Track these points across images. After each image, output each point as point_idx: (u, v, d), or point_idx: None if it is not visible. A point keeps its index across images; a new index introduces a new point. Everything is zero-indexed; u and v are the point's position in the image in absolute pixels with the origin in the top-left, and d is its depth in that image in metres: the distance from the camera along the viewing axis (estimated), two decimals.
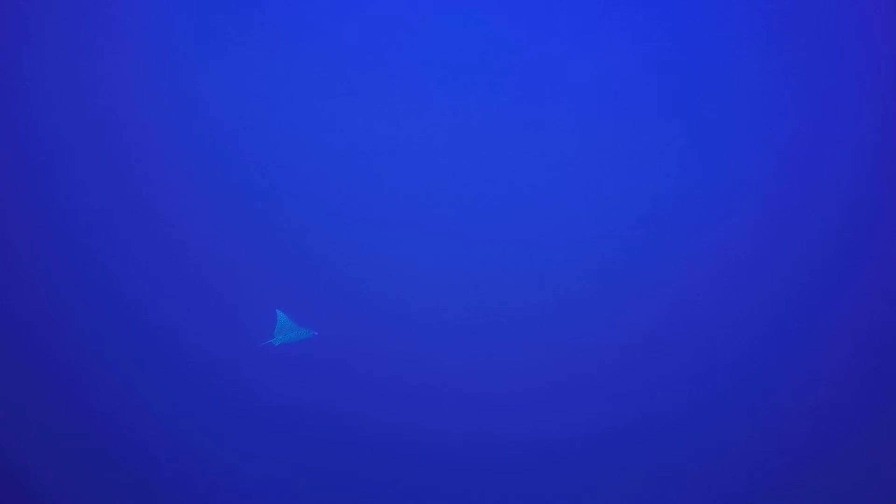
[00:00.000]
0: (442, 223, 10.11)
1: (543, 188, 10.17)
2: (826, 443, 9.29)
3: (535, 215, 10.12)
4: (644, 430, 9.47)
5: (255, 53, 10.08)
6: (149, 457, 9.22)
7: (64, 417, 9.25)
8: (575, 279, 9.92)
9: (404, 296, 9.86)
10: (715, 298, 9.87)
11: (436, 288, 9.92)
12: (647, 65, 10.16)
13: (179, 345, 9.58)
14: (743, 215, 9.98)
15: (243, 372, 9.53)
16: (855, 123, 9.89)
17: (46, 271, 9.63)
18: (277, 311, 9.05)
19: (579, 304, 9.86)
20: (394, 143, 10.16)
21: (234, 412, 9.48)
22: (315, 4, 10.16)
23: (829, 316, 9.70)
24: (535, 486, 9.31)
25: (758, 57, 10.06)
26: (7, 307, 9.44)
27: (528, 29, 10.29)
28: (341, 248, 9.97)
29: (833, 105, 9.95)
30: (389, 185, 10.14)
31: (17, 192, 9.69)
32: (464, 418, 9.49)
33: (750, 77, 10.08)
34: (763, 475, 9.28)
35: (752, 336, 9.74)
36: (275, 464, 9.35)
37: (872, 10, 9.87)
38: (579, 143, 10.19)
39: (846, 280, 9.74)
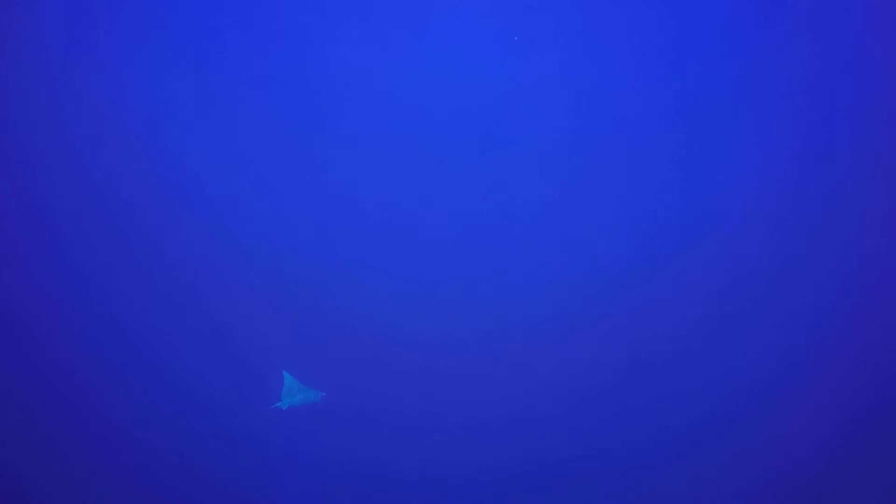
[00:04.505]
0: (446, 236, 10.05)
1: (546, 197, 10.10)
2: (831, 450, 9.38)
3: (540, 226, 10.07)
4: (652, 442, 9.44)
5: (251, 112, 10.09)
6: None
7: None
8: (584, 292, 9.88)
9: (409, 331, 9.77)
10: (722, 305, 9.84)
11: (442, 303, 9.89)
12: (649, 71, 10.06)
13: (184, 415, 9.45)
14: (749, 222, 9.95)
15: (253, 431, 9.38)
16: (860, 126, 9.87)
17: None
18: (284, 373, 8.91)
19: (589, 316, 9.82)
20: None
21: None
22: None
23: (835, 321, 9.68)
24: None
25: (762, 60, 9.98)
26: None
27: (529, 33, 10.15)
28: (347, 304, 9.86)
29: (839, 108, 9.91)
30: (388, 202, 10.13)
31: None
32: (480, 442, 9.47)
33: (754, 81, 10.00)
34: (774, 487, 9.36)
35: (762, 343, 9.71)
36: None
37: (876, 11, 9.80)
38: (582, 150, 10.12)
39: (851, 286, 9.75)
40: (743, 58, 10.01)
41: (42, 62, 9.88)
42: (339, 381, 9.26)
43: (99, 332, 9.55)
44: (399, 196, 10.09)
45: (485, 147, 10.14)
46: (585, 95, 10.13)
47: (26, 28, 9.83)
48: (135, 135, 9.98)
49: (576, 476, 9.34)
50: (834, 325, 9.66)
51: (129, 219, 9.84)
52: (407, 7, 10.11)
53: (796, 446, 9.38)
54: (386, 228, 10.03)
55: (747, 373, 9.63)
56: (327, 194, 10.09)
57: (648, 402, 9.57)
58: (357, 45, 10.18)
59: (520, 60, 10.17)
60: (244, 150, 10.11)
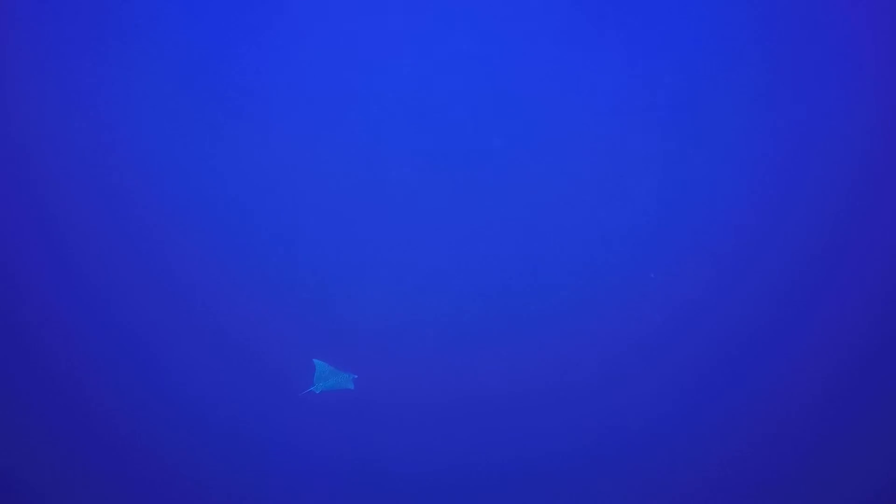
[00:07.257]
0: (447, 235, 10.08)
1: (545, 197, 10.14)
2: (828, 451, 9.44)
3: (539, 226, 10.10)
4: (647, 439, 9.54)
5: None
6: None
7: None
8: (584, 291, 9.93)
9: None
10: (718, 304, 9.86)
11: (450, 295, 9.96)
12: (646, 70, 10.07)
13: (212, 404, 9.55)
14: (746, 221, 9.95)
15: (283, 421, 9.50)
16: (858, 128, 9.85)
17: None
18: (315, 360, 9.13)
19: (591, 316, 9.88)
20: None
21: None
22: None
23: (831, 320, 9.72)
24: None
25: (759, 62, 9.99)
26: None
27: (526, 31, 10.16)
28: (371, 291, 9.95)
29: (834, 109, 9.89)
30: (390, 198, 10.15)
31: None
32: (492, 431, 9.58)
33: (752, 81, 10.00)
34: (765, 484, 9.42)
35: (758, 342, 9.75)
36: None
37: (874, 14, 9.81)
38: (578, 149, 10.12)
39: (848, 287, 9.78)
40: (739, 59, 10.02)
41: (40, 64, 9.92)
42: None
43: (122, 333, 9.65)
44: (403, 195, 10.15)
45: (482, 147, 10.18)
46: (581, 96, 10.14)
47: (25, 30, 9.86)
48: (139, 133, 10.01)
49: (576, 475, 9.43)
50: (829, 323, 9.72)
51: (139, 220, 9.89)
52: (404, 9, 10.15)
53: (793, 446, 9.48)
54: (384, 231, 10.06)
55: (745, 372, 9.70)
56: (341, 193, 10.13)
57: (647, 401, 9.64)
58: (356, 45, 10.21)
59: (516, 62, 10.19)
60: (246, 151, 10.11)
